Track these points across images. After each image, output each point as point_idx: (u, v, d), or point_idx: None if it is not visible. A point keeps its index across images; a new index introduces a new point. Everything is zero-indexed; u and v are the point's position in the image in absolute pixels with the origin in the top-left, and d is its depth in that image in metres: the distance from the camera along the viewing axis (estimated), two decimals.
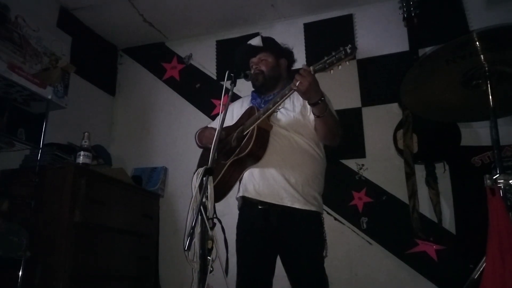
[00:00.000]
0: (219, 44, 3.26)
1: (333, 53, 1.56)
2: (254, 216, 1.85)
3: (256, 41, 2.05)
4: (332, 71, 1.58)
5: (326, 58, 1.58)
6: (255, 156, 1.79)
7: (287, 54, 2.10)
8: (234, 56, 2.17)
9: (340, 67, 1.57)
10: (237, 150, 1.80)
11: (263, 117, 1.77)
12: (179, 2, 2.93)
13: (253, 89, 2.09)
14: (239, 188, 1.96)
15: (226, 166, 1.82)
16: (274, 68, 1.99)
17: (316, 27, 3.00)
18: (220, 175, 1.80)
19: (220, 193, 1.82)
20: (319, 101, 1.66)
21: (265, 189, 1.82)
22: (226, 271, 1.46)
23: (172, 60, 3.37)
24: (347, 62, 1.57)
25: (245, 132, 1.83)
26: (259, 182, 1.84)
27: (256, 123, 1.78)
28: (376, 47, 2.81)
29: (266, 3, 2.95)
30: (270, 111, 1.77)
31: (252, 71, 1.99)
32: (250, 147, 1.74)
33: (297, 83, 1.60)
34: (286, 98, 1.73)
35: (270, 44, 2.07)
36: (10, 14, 2.36)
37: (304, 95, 1.65)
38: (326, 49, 1.61)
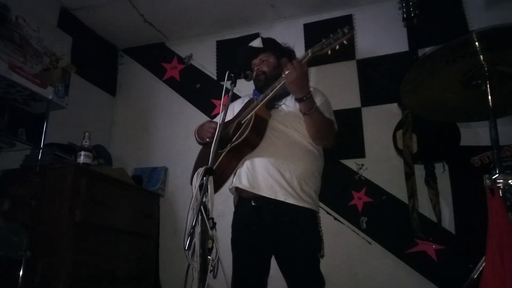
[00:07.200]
0: (219, 44, 3.26)
1: (331, 35, 1.61)
2: (248, 214, 1.84)
3: (256, 43, 2.06)
4: (330, 51, 1.62)
5: (324, 40, 1.62)
6: (251, 143, 1.79)
7: (288, 53, 2.10)
8: (235, 57, 2.18)
9: (338, 47, 1.61)
10: (234, 137, 1.81)
11: (261, 103, 1.79)
12: (179, 2, 2.93)
13: (254, 89, 2.09)
14: (233, 179, 1.95)
15: (223, 154, 1.81)
16: (276, 68, 1.99)
17: (316, 27, 3.00)
18: (217, 164, 1.79)
19: (217, 183, 1.78)
20: (304, 98, 1.68)
21: (259, 182, 1.81)
22: (216, 272, 1.45)
23: (172, 60, 3.37)
24: (344, 41, 1.60)
25: (243, 121, 1.84)
26: (253, 174, 1.84)
27: (254, 110, 1.80)
28: (376, 47, 2.82)
29: (266, 3, 2.95)
30: (268, 97, 1.79)
31: (254, 73, 2.00)
32: (246, 133, 1.75)
33: (286, 72, 1.64)
34: (281, 85, 1.74)
35: (270, 44, 2.08)
36: (10, 14, 2.37)
37: (290, 85, 1.67)
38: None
